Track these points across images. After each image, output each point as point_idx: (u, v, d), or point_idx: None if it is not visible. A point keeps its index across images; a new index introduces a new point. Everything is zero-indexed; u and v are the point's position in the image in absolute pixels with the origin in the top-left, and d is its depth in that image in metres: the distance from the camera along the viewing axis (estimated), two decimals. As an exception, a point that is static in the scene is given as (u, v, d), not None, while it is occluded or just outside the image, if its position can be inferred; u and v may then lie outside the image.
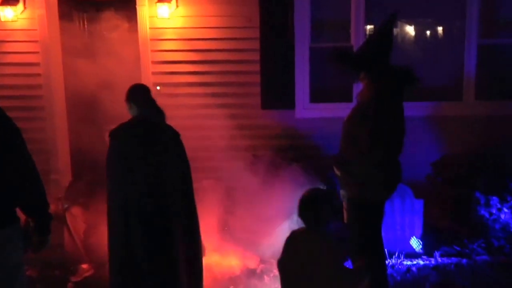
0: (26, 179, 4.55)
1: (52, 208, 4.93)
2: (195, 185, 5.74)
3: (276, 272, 7.01)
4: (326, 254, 4.58)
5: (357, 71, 5.77)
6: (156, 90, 8.71)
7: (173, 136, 5.54)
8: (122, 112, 7.31)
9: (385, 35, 5.74)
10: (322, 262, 4.54)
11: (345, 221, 5.92)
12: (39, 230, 4.67)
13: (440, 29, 9.27)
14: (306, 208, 4.69)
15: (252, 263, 7.21)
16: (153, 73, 8.76)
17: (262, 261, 7.28)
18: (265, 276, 7.03)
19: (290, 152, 8.20)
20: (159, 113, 5.57)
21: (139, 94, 5.58)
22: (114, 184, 5.38)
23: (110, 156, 5.40)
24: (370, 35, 5.89)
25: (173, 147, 5.51)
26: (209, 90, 8.69)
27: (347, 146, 5.64)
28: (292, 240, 4.77)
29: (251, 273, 7.04)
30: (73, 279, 7.00)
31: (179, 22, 8.61)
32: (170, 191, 5.38)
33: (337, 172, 5.74)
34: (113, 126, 5.60)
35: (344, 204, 5.86)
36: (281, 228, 7.13)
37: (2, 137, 4.39)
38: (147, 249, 5.30)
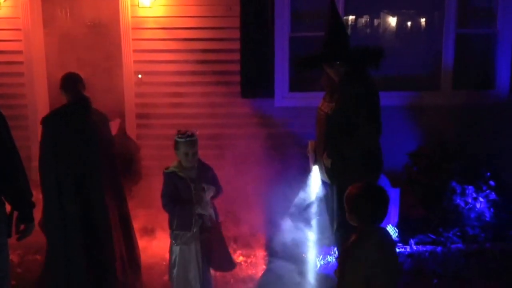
0: (10, 168, 4.62)
1: (34, 195, 5.00)
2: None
3: (253, 258, 7.21)
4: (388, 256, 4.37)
5: (332, 63, 5.91)
6: (137, 78, 8.78)
7: (100, 121, 5.97)
8: (105, 99, 7.46)
9: (337, 23, 5.97)
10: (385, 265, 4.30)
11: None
12: (23, 218, 4.75)
13: (418, 19, 9.33)
14: (365, 202, 4.33)
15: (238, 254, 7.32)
16: (135, 62, 8.83)
17: (240, 248, 7.42)
18: (243, 263, 7.14)
19: (269, 140, 8.26)
20: (84, 100, 5.84)
21: (67, 83, 5.97)
22: (45, 168, 5.55)
23: (41, 141, 5.60)
24: (326, 29, 6.03)
25: (98, 132, 5.84)
26: (189, 78, 8.77)
27: (339, 137, 5.79)
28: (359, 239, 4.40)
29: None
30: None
31: (160, 11, 8.65)
32: (97, 177, 5.70)
33: (327, 162, 5.87)
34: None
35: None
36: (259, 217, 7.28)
37: None
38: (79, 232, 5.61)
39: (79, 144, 5.58)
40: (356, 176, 5.74)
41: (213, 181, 5.69)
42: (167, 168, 5.57)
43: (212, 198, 5.66)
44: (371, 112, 5.67)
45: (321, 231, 6.95)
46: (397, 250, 7.40)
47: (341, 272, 4.39)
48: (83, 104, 5.79)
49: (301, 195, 6.87)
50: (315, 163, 6.23)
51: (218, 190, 5.70)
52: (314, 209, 6.52)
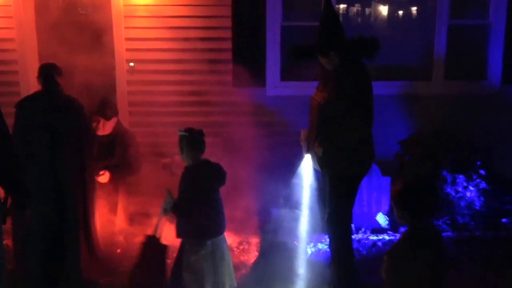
0: (4, 154, 4.62)
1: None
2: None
3: (245, 245, 7.24)
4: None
5: (326, 53, 5.91)
6: (129, 66, 8.77)
7: (72, 108, 6.29)
8: (97, 87, 7.44)
9: (331, 13, 6.01)
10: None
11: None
12: (18, 204, 4.76)
13: (411, 8, 9.35)
14: (410, 197, 4.19)
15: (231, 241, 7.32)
16: (127, 50, 8.79)
17: (232, 234, 7.42)
18: (235, 249, 7.20)
19: (260, 129, 8.27)
20: (55, 87, 6.30)
21: (39, 72, 6.43)
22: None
23: (14, 125, 6.10)
24: (321, 20, 6.03)
25: (68, 118, 6.23)
26: (181, 67, 8.77)
27: (331, 126, 5.81)
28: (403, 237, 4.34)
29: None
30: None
31: (151, -2, 8.64)
32: (65, 162, 6.15)
33: (319, 151, 5.87)
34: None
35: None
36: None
37: None
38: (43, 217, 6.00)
39: (44, 128, 6.04)
40: (347, 165, 5.80)
41: (184, 192, 5.41)
42: None
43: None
44: (363, 102, 5.69)
45: (312, 219, 6.98)
46: (388, 237, 7.49)
47: (387, 271, 4.27)
48: (50, 90, 6.28)
49: (293, 183, 6.89)
50: (307, 151, 6.24)
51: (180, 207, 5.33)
52: (305, 196, 6.54)
